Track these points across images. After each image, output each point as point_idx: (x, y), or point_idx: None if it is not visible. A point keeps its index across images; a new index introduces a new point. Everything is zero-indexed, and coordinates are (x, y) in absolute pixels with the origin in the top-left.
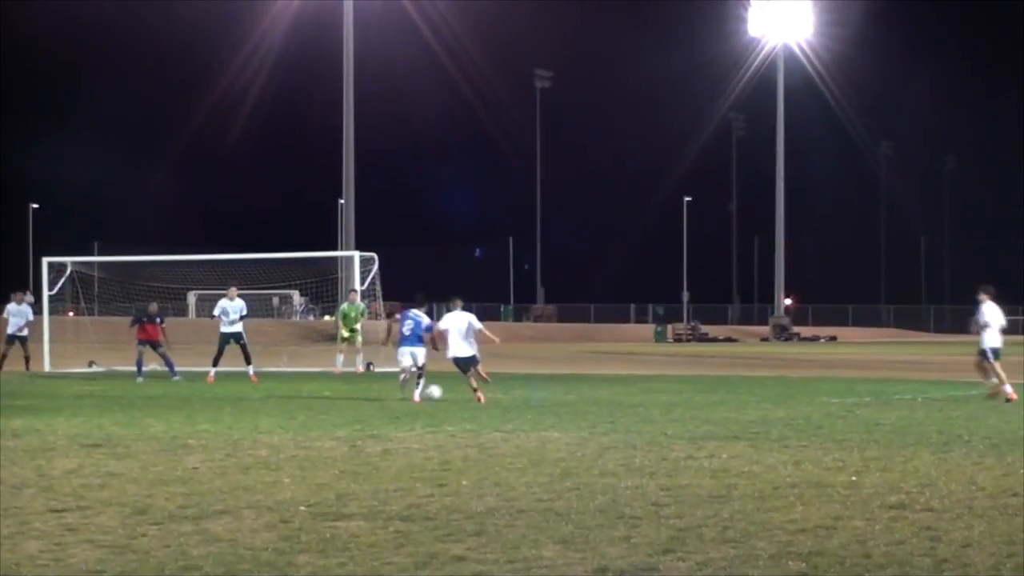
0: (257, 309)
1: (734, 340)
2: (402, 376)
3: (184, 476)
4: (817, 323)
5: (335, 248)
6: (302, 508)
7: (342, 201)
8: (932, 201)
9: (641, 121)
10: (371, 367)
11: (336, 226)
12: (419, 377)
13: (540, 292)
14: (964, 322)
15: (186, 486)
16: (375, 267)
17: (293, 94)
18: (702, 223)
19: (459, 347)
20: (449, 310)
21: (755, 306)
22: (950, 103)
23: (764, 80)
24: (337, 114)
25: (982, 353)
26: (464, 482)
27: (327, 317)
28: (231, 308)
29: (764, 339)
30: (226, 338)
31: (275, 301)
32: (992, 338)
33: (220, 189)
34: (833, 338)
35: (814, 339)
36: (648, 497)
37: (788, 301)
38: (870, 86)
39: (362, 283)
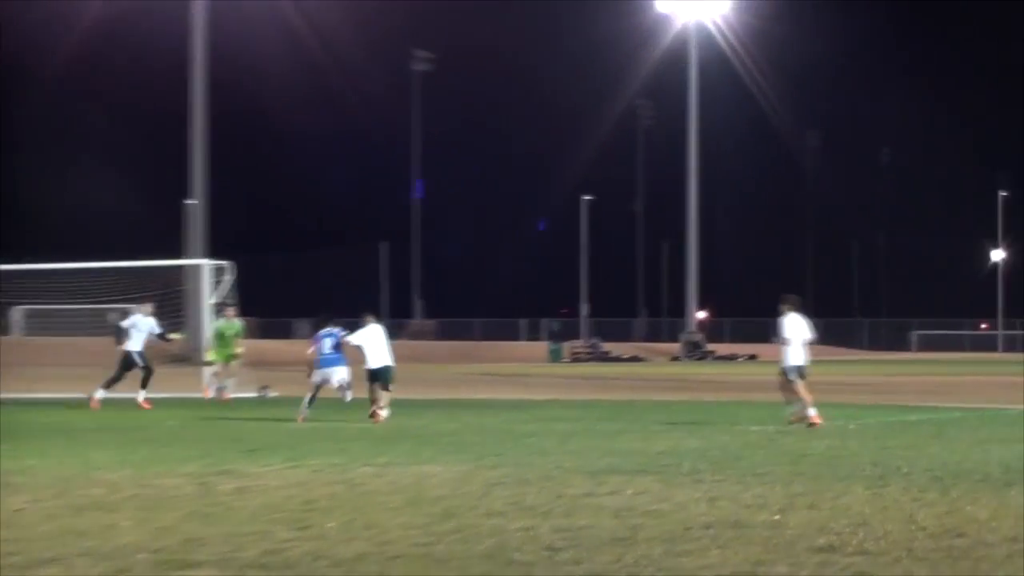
0: (88, 326)
1: (640, 359)
2: (347, 395)
3: (6, 519)
4: (735, 340)
5: (182, 255)
6: (143, 555)
7: (190, 202)
8: (866, 199)
9: (535, 109)
10: (266, 392)
11: (183, 230)
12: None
13: (418, 305)
14: (902, 338)
15: (8, 531)
16: (229, 277)
17: (131, 75)
18: (604, 226)
19: (379, 358)
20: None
21: (664, 321)
22: (887, 88)
23: (674, 63)
24: (184, 100)
25: (783, 372)
26: (330, 524)
27: (173, 335)
28: (144, 324)
29: (674, 358)
30: (132, 358)
31: (112, 317)
32: (795, 355)
33: (40, 186)
34: (753, 357)
35: (731, 358)
36: (541, 540)
37: (701, 315)
38: (796, 69)
39: (213, 294)
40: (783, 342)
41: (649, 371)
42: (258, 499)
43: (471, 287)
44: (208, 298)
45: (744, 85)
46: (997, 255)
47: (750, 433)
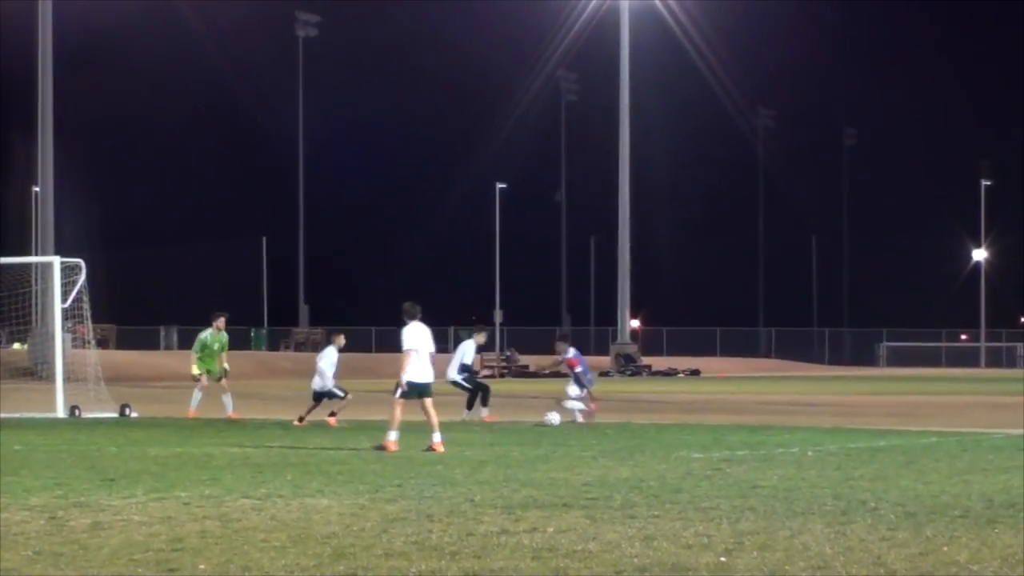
0: None
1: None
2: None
3: None
4: (674, 352)
5: (28, 252)
6: None
7: (37, 189)
8: (827, 189)
9: (440, 82)
10: (128, 411)
11: (30, 224)
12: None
13: (303, 311)
14: (869, 351)
15: None
16: (82, 278)
17: None
18: (521, 219)
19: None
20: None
21: (591, 330)
22: (851, 62)
23: (603, 28)
24: (28, 71)
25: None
26: (202, 566)
27: (16, 345)
28: None
29: (604, 373)
30: None
31: None
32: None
33: None
34: (695, 372)
35: (670, 373)
36: None
37: (635, 323)
38: (747, 38)
39: (64, 299)
40: None
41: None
42: (117, 536)
43: (366, 290)
44: (60, 302)
45: (685, 54)
46: (979, 255)
47: (692, 461)
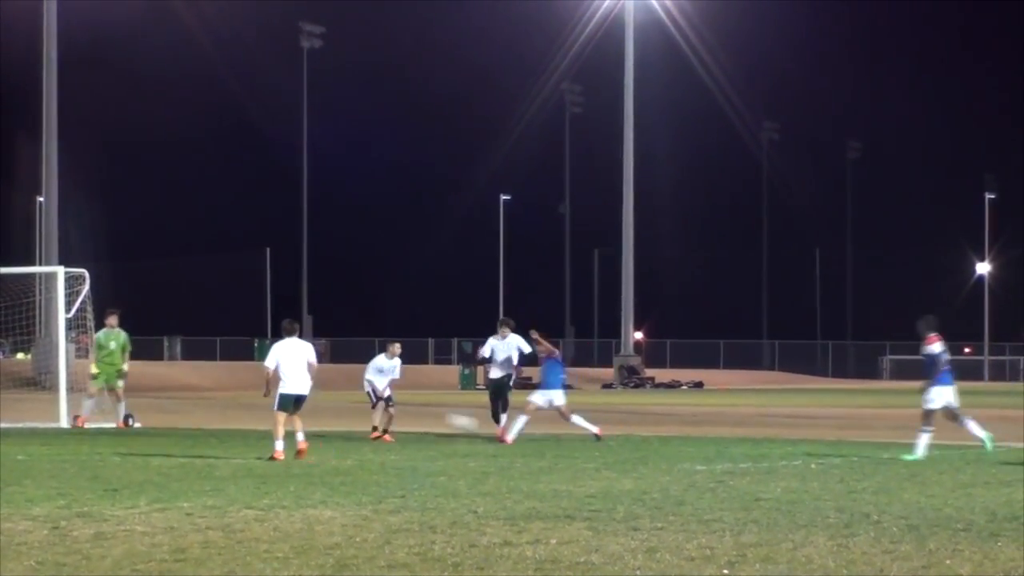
0: None
1: (568, 387)
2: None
3: None
4: (678, 364)
5: (32, 262)
6: None
7: (41, 199)
8: (832, 202)
9: (444, 93)
10: (131, 420)
11: (35, 234)
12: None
13: (307, 322)
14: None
15: None
16: (85, 288)
17: None
18: (525, 230)
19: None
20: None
21: (595, 342)
22: (855, 73)
23: (608, 40)
24: (32, 79)
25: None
26: None
27: (20, 355)
28: None
29: (607, 385)
30: None
31: None
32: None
33: None
34: (699, 384)
35: (673, 385)
36: None
37: (638, 335)
38: (751, 49)
39: (68, 309)
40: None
41: (578, 400)
42: (120, 547)
43: (371, 301)
44: (63, 312)
45: (690, 67)
46: (983, 268)
47: (695, 473)
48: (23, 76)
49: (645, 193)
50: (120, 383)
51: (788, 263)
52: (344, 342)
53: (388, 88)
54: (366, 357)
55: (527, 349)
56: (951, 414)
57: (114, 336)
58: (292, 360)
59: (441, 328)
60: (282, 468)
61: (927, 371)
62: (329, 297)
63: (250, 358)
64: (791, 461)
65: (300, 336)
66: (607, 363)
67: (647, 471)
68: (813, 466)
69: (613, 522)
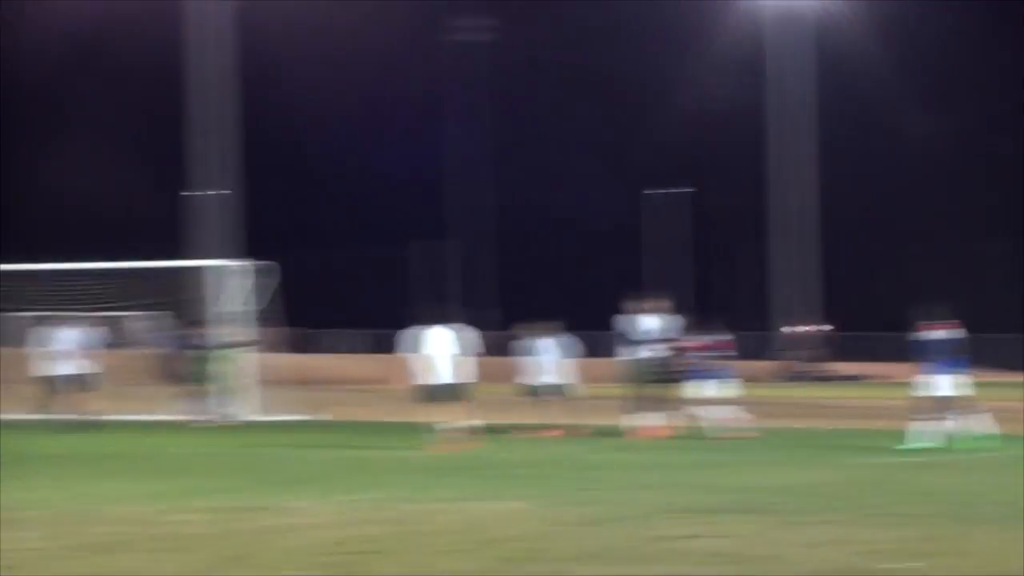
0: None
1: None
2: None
3: (10, 561)
4: (854, 358)
5: (219, 256)
6: None
7: (222, 192)
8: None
9: (625, 85)
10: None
11: (212, 227)
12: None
13: (494, 315)
14: None
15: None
16: (273, 281)
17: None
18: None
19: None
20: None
21: (772, 334)
22: None
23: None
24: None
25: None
26: (383, 568)
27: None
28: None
29: (783, 378)
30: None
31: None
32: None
33: (32, 175)
34: (882, 377)
35: (852, 378)
36: None
37: (816, 328)
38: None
39: (251, 301)
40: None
41: (753, 393)
42: (289, 539)
43: (515, 295)
44: (231, 305)
45: (871, 50)
46: None
47: (869, 467)
48: (211, 71)
49: (826, 182)
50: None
51: (980, 251)
52: (497, 336)
53: (569, 78)
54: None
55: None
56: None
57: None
58: (440, 349)
59: (586, 322)
60: (450, 462)
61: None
62: (516, 290)
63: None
64: (970, 454)
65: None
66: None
67: (822, 464)
68: (990, 458)
69: (785, 515)
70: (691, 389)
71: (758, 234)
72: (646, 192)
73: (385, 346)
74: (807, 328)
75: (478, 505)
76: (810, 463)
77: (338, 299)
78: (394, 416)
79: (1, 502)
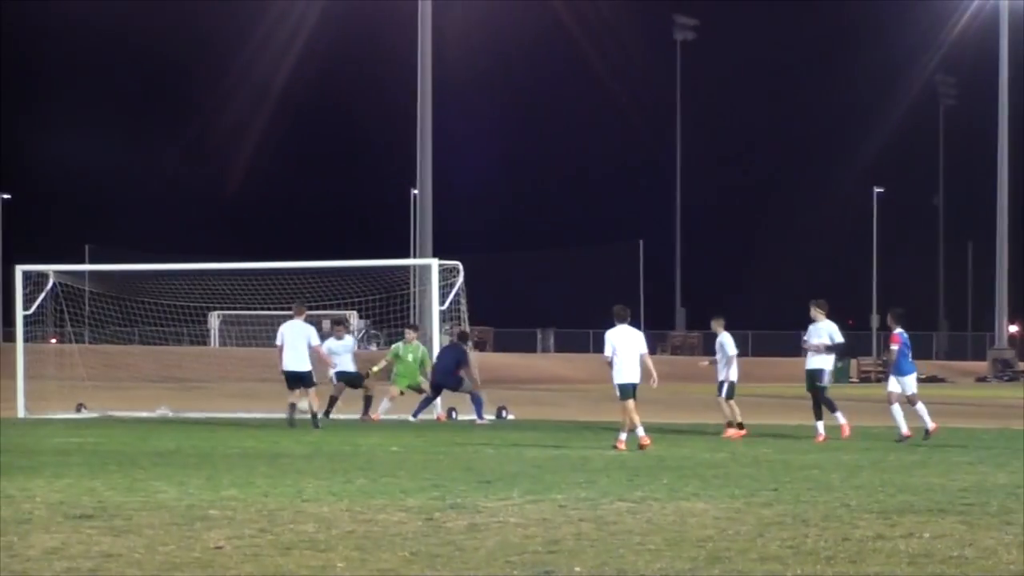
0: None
1: (940, 380)
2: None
3: (204, 558)
4: None
5: (406, 255)
6: None
7: (416, 192)
8: None
9: (816, 87)
10: (453, 414)
11: (408, 227)
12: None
13: (680, 314)
14: None
15: (206, 571)
16: (459, 280)
17: (345, 59)
18: (898, 223)
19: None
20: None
21: (968, 335)
22: None
23: (982, 30)
24: (404, 75)
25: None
26: (577, 568)
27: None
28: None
29: (981, 379)
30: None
31: (326, 324)
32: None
33: (251, 180)
34: None
35: None
36: None
37: (1014, 329)
38: None
39: (442, 301)
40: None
41: (951, 393)
42: (493, 538)
43: (740, 293)
44: (437, 304)
45: None
46: None
47: None
48: (404, 71)
49: (1021, 184)
50: (423, 381)
51: None
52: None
53: (759, 79)
54: (739, 351)
55: (838, 338)
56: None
57: (412, 349)
58: (627, 347)
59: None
60: (655, 460)
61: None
62: (700, 290)
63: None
64: None
65: (632, 325)
66: (981, 356)
67: (1021, 466)
68: None
69: (987, 516)
70: (891, 385)
71: (982, 235)
72: (878, 191)
73: (574, 346)
74: (1010, 328)
75: (662, 505)
76: (1010, 464)
77: (527, 298)
78: (582, 415)
79: (182, 502)
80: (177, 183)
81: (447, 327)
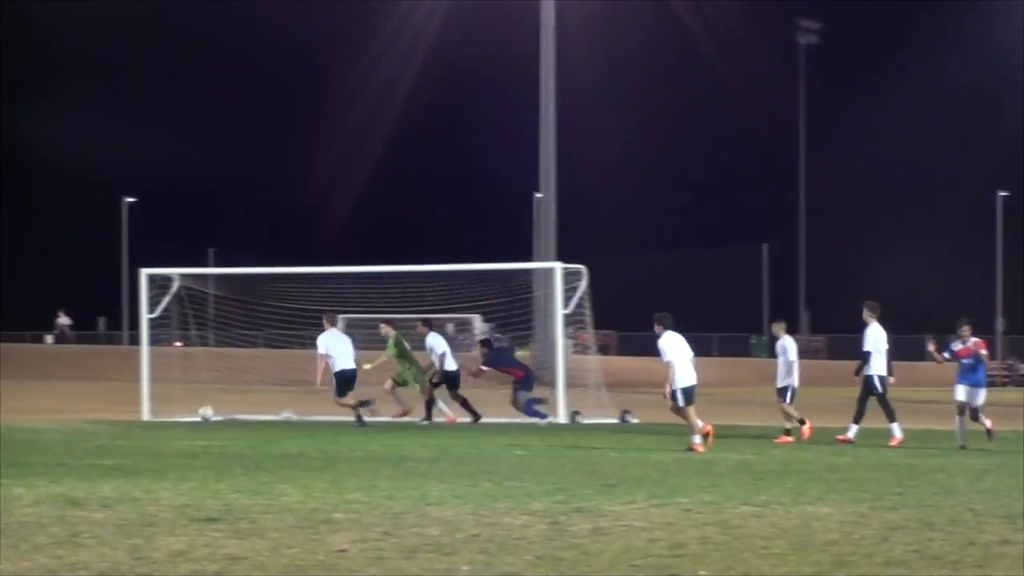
0: (409, 338)
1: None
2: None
3: (328, 561)
4: None
5: (528, 259)
6: None
7: (539, 195)
8: None
9: (940, 87)
10: (577, 417)
11: (530, 230)
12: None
13: (804, 317)
14: None
15: (330, 574)
16: (583, 283)
17: (467, 61)
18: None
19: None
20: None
21: None
22: None
23: None
24: (526, 78)
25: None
26: (702, 572)
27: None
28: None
29: None
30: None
31: (450, 328)
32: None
33: (373, 183)
34: None
35: None
36: None
37: None
38: None
39: (566, 305)
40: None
41: None
42: (618, 542)
43: (864, 297)
44: (561, 308)
45: None
46: None
47: None
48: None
49: None
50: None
51: None
52: (841, 339)
53: (892, 79)
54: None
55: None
56: None
57: (391, 342)
58: (682, 352)
59: (936, 324)
60: (779, 465)
61: None
62: (825, 293)
63: (746, 354)
64: None
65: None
66: None
67: None
68: None
69: None
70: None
71: None
72: (1002, 194)
73: (697, 349)
74: None
75: (787, 509)
76: None
77: (651, 302)
78: (706, 419)
79: (306, 505)
80: (300, 187)
81: (570, 331)
